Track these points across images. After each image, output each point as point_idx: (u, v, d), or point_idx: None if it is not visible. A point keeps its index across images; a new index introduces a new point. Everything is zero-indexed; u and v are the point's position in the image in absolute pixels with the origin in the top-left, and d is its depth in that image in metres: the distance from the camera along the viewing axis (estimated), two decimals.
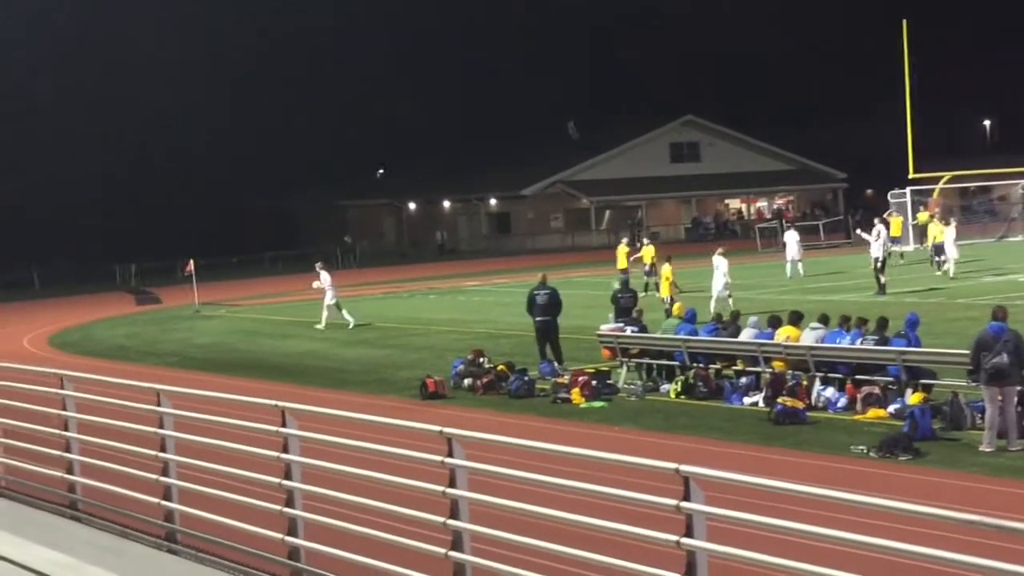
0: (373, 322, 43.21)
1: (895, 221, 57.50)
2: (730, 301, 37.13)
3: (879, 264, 42.42)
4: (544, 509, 10.88)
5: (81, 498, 16.31)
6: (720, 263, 38.92)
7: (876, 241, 43.05)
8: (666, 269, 37.82)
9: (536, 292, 29.15)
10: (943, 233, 53.37)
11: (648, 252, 46.95)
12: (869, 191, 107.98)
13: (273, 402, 13.18)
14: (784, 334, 23.44)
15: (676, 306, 27.36)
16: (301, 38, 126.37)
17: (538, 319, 28.80)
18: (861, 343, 21.93)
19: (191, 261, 52.23)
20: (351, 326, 41.30)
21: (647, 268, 46.44)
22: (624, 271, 46.22)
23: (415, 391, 26.02)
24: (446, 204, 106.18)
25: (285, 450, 12.89)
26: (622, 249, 47.77)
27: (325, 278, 42.27)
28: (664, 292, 37.84)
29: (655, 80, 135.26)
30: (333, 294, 42.40)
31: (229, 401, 15.92)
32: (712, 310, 35.40)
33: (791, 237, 50.87)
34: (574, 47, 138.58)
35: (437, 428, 11.38)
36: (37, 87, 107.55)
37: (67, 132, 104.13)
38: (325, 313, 42.21)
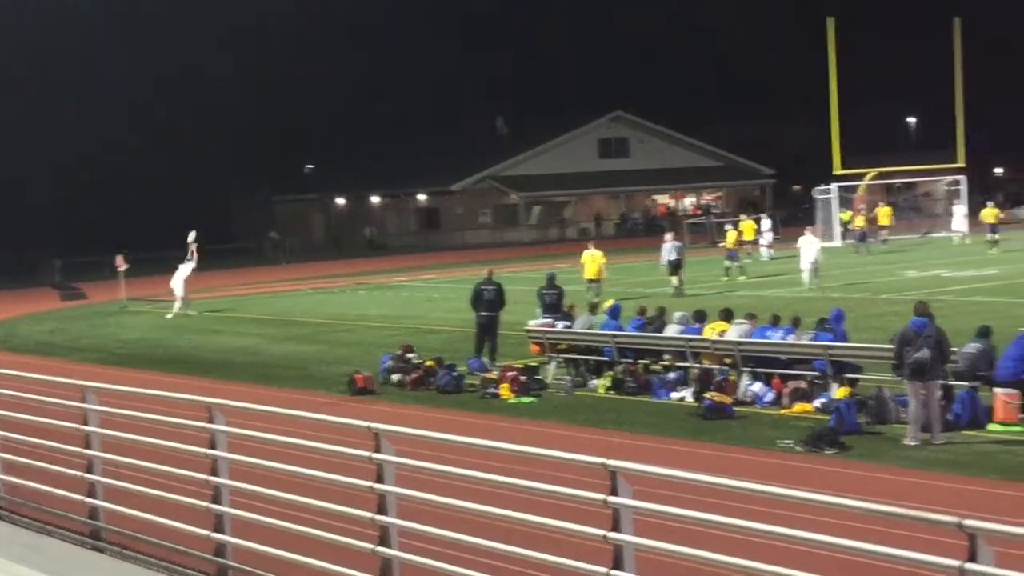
0: (296, 318, 43.06)
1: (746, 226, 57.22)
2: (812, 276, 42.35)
3: (672, 265, 43.13)
4: (472, 504, 10.87)
5: (3, 496, 16.12)
6: (813, 242, 43.28)
7: (668, 244, 43.66)
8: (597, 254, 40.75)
9: (483, 287, 28.99)
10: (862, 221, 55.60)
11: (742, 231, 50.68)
12: (797, 187, 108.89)
13: (199, 398, 13.09)
14: (714, 329, 23.57)
15: (606, 302, 27.43)
16: (232, 34, 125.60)
17: (483, 314, 28.63)
18: (794, 339, 22.11)
19: (121, 257, 51.63)
20: None
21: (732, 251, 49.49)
22: (732, 251, 49.66)
23: (344, 387, 25.92)
24: (375, 199, 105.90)
25: (212, 446, 12.80)
26: (731, 234, 50.74)
27: None
28: (592, 275, 40.13)
29: (585, 76, 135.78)
30: None
31: (155, 397, 15.79)
32: (808, 282, 41.81)
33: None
34: (503, 41, 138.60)
35: (365, 423, 11.35)
36: None
37: None
38: None
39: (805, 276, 42.97)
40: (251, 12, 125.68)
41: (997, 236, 55.71)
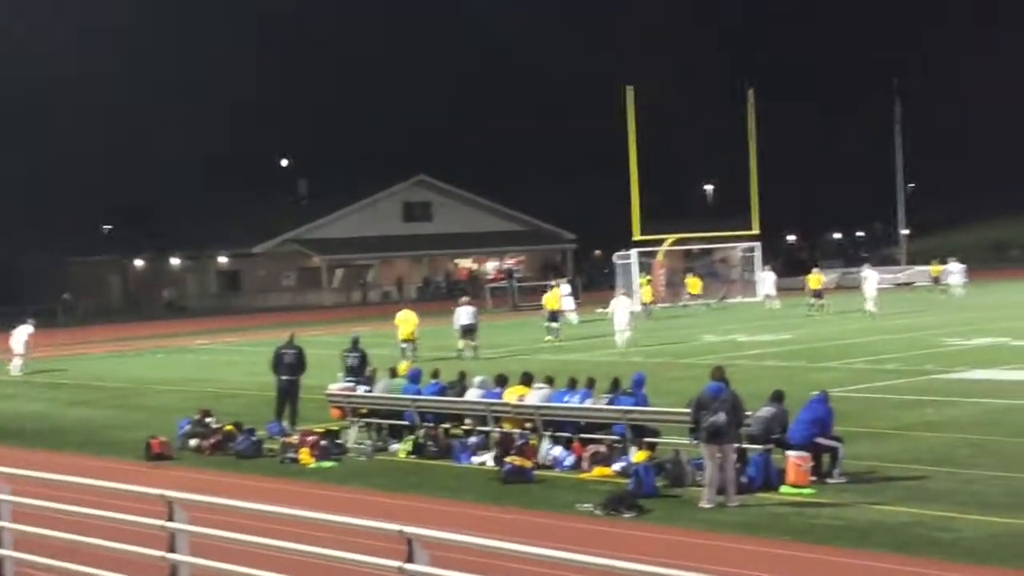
0: (92, 382, 42.09)
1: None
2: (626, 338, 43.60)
3: (465, 329, 43.76)
4: (268, 573, 10.68)
5: None
6: (626, 304, 44.90)
7: (461, 308, 44.31)
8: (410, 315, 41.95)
9: (284, 350, 28.65)
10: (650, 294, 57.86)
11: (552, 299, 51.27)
12: (597, 252, 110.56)
13: None
14: (514, 393, 23.64)
15: (402, 365, 27.37)
16: (23, 88, 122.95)
17: (283, 378, 28.29)
18: (592, 403, 22.28)
19: None
20: None
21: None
22: (553, 312, 49.98)
23: (140, 453, 25.35)
24: (175, 261, 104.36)
25: None
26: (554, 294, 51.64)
27: None
28: (406, 335, 41.51)
29: (388, 140, 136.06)
30: None
31: None
32: (621, 345, 42.79)
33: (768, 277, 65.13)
34: (308, 104, 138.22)
35: (157, 491, 11.10)
36: None
37: None
38: None
39: (618, 338, 43.88)
40: (44, 72, 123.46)
41: (823, 300, 57.51)
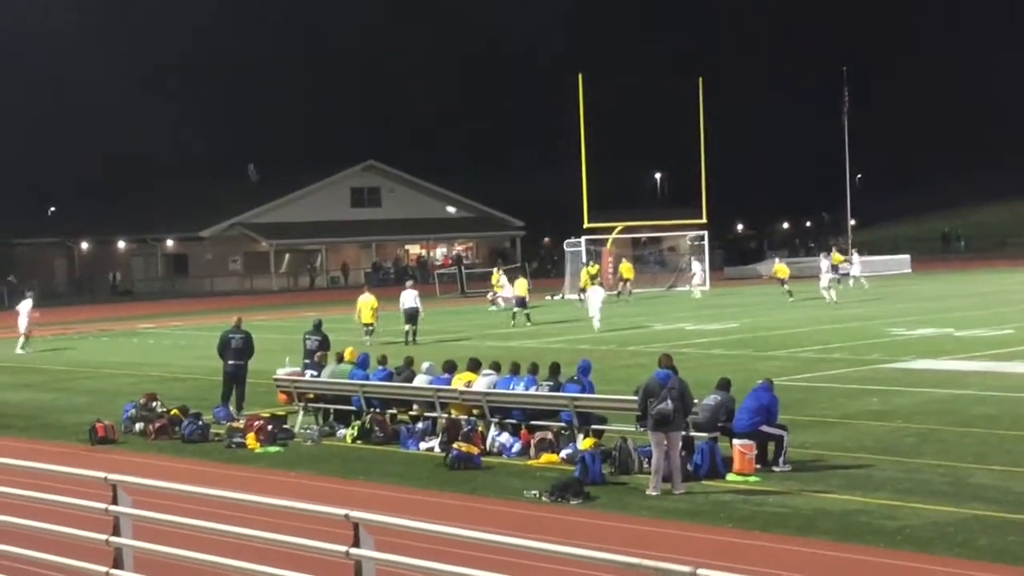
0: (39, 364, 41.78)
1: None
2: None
3: (408, 314, 44.07)
4: (213, 557, 10.63)
5: None
6: (599, 292, 46.66)
7: (406, 292, 44.83)
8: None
9: (231, 335, 28.50)
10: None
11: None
12: (547, 239, 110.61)
13: None
14: (462, 379, 23.62)
15: (348, 350, 27.30)
16: None
17: (230, 363, 28.16)
18: (535, 389, 22.28)
19: None
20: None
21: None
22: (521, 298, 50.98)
23: (84, 436, 25.18)
24: (121, 244, 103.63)
25: None
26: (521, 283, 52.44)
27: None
28: (367, 319, 42.65)
29: (338, 124, 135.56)
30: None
31: None
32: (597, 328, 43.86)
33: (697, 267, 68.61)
34: (256, 88, 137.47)
35: (101, 474, 11.01)
36: None
37: None
38: None
39: (595, 323, 45.13)
40: None
41: (788, 287, 58.59)
